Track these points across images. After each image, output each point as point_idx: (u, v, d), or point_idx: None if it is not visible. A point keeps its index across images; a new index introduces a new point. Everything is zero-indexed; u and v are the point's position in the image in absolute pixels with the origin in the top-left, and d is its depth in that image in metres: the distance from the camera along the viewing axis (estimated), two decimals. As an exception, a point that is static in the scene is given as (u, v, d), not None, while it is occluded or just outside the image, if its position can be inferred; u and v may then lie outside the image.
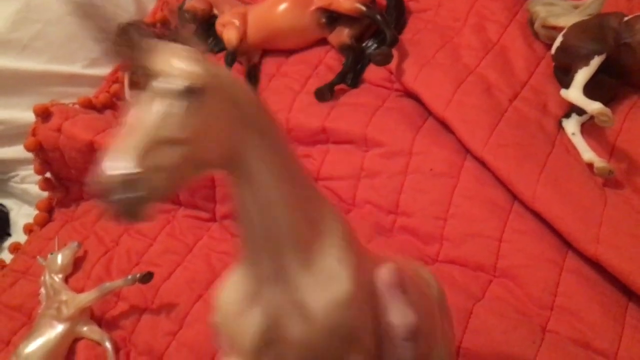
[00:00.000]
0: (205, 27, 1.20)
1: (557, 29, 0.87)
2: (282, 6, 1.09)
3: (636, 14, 0.81)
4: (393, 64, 0.96)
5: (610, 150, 0.78)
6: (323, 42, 1.10)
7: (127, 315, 0.91)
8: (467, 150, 0.83)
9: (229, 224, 0.95)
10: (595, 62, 0.77)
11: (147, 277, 0.83)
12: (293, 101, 1.02)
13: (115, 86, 1.20)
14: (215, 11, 1.18)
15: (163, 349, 0.84)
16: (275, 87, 1.07)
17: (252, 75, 1.10)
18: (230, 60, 1.08)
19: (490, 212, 0.78)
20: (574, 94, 0.75)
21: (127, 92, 1.19)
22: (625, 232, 0.68)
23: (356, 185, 0.89)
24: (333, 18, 1.06)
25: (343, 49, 1.04)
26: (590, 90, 0.78)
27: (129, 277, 0.84)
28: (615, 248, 0.67)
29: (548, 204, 0.73)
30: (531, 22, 0.92)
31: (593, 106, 0.72)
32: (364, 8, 0.99)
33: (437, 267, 0.77)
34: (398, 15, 1.04)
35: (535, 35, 0.92)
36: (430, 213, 0.81)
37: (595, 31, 0.80)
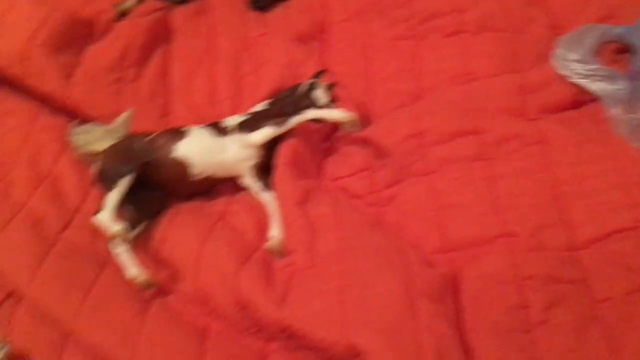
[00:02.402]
0: None
1: (100, 154, 0.90)
2: None
3: (157, 133, 0.89)
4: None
5: (157, 259, 0.82)
6: None
7: None
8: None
9: None
10: (124, 182, 0.81)
11: None
12: None
13: None
14: None
15: None
16: None
17: None
18: None
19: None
20: (103, 215, 0.78)
21: None
22: (161, 341, 0.72)
23: None
24: None
25: None
26: (140, 206, 0.84)
27: None
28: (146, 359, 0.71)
29: (90, 331, 0.73)
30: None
31: (112, 230, 0.76)
32: None
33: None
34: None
35: (86, 161, 0.94)
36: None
37: (122, 153, 0.86)
